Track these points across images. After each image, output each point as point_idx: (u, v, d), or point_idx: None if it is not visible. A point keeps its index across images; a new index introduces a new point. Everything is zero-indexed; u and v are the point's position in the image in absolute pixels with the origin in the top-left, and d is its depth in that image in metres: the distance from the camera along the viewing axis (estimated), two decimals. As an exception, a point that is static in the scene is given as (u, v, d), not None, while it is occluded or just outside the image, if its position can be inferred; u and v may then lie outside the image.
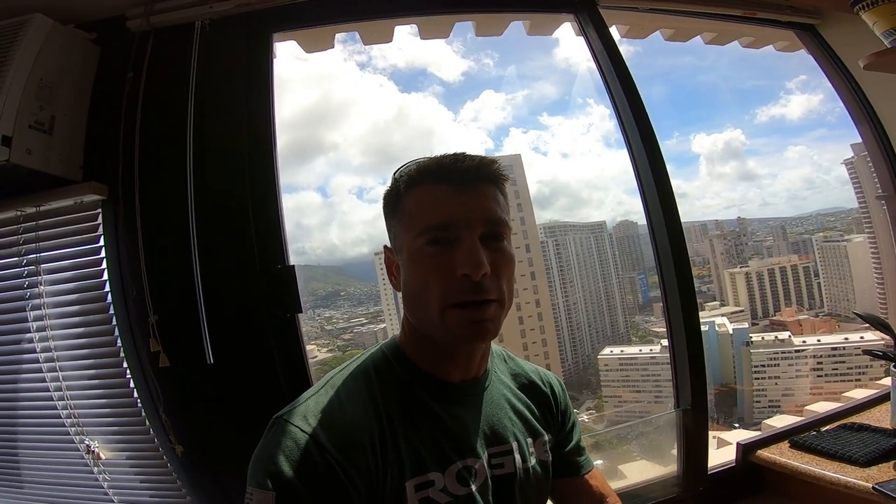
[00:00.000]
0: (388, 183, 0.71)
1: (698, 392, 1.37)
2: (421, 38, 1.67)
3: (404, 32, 1.67)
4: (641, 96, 1.45)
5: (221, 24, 1.25)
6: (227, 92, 1.25)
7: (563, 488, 0.81)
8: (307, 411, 0.61)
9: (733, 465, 1.41)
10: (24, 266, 1.21)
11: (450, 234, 0.62)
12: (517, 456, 0.72)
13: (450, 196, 0.63)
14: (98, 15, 1.23)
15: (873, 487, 1.06)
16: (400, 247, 0.67)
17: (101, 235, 1.19)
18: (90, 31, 1.23)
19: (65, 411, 1.23)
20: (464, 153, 0.66)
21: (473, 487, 0.66)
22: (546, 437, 0.78)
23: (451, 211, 0.62)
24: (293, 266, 1.20)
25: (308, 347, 1.25)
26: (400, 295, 0.69)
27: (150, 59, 1.21)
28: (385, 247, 0.72)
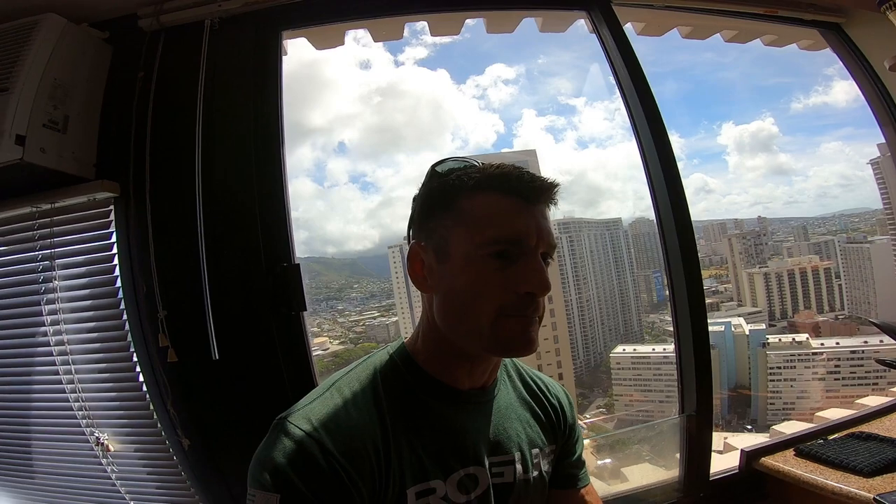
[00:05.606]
0: (427, 175, 0.69)
1: (704, 398, 1.35)
2: (431, 35, 1.67)
3: (414, 29, 1.67)
4: (654, 96, 1.42)
5: (231, 23, 1.26)
6: (236, 90, 1.25)
7: (557, 500, 0.80)
8: (311, 414, 0.60)
9: (736, 471, 1.39)
10: (39, 261, 1.25)
11: (516, 250, 0.62)
12: (518, 466, 0.71)
13: (521, 210, 0.62)
14: (110, 14, 1.24)
15: (874, 499, 1.04)
16: (447, 249, 0.63)
17: (112, 232, 1.22)
18: (102, 29, 1.24)
19: (76, 403, 1.26)
20: (521, 168, 0.64)
21: (473, 496, 0.65)
22: (549, 449, 0.77)
23: (525, 226, 0.62)
24: (298, 265, 1.21)
25: (320, 339, 1.26)
26: (423, 295, 0.68)
27: (161, 58, 1.23)
28: (416, 243, 0.67)
